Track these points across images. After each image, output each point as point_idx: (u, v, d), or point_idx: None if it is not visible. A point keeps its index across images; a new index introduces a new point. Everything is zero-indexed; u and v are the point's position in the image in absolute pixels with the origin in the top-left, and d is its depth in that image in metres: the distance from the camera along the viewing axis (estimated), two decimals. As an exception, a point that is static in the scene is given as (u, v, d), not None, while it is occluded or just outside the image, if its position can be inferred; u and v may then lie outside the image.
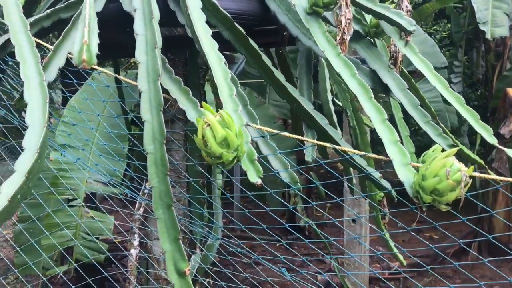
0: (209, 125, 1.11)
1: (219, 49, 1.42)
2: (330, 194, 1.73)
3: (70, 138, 3.02)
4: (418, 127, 1.67)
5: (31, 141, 1.16)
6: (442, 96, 1.67)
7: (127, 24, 1.51)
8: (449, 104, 1.72)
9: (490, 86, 5.15)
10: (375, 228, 2.62)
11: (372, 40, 1.76)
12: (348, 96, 2.31)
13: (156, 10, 1.35)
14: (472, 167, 1.04)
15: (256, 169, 1.15)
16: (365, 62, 1.78)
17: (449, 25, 5.86)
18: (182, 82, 1.36)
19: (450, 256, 4.15)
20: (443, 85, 1.52)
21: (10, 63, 1.68)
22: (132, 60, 4.84)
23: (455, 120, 4.65)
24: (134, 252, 1.92)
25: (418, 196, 1.06)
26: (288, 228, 1.51)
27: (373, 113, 1.25)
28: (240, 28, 1.68)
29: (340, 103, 2.41)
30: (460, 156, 1.41)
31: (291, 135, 1.35)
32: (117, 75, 1.98)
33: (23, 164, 1.12)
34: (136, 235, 1.94)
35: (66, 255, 3.14)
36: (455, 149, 1.08)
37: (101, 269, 1.83)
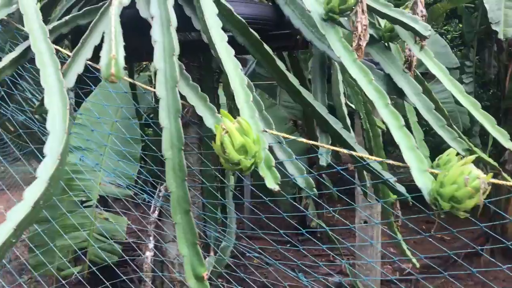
0: (227, 132, 1.13)
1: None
2: (342, 196, 1.74)
3: (84, 141, 3.06)
4: (430, 127, 1.67)
5: (53, 147, 1.18)
6: (454, 97, 1.68)
7: (142, 30, 1.53)
8: (461, 105, 1.72)
9: (502, 86, 5.11)
10: (385, 229, 2.62)
11: (386, 44, 1.77)
12: (361, 98, 2.32)
13: (173, 17, 1.36)
14: (491, 174, 1.05)
15: (274, 175, 1.16)
16: (378, 64, 1.78)
17: (460, 25, 5.82)
18: (199, 88, 1.37)
19: (462, 258, 4.13)
20: (458, 90, 1.52)
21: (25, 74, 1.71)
22: (143, 63, 4.87)
23: (466, 121, 4.62)
24: (149, 254, 1.94)
25: (436, 203, 1.06)
26: (303, 231, 1.52)
27: (390, 119, 1.25)
28: (255, 33, 1.69)
29: (353, 106, 2.41)
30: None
31: (307, 141, 1.36)
32: (132, 80, 2.00)
33: (45, 170, 1.14)
34: (151, 238, 1.96)
35: (82, 255, 3.18)
36: (473, 157, 1.08)
37: (118, 271, 1.85)
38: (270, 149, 1.45)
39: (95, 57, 1.54)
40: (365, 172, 2.23)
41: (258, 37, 1.68)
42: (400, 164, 1.17)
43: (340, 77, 2.18)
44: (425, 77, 2.08)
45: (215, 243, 2.10)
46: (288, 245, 4.91)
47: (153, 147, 1.63)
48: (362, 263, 3.41)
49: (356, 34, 1.37)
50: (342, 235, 5.24)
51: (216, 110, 1.31)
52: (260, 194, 1.53)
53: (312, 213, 4.20)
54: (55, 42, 1.51)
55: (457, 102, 4.44)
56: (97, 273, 1.89)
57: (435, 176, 1.13)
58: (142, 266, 2.09)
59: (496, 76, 5.47)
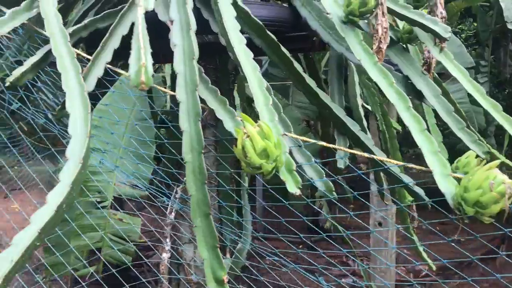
0: (248, 136, 1.13)
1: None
2: (359, 198, 1.73)
3: (100, 142, 3.08)
4: (444, 127, 1.65)
5: (75, 151, 1.18)
6: (469, 97, 1.66)
7: (160, 33, 1.54)
8: (476, 105, 1.70)
9: (518, 86, 5.05)
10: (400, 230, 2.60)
11: (404, 45, 1.75)
12: (377, 100, 2.30)
13: (193, 21, 1.37)
14: (516, 179, 1.03)
15: (295, 179, 1.15)
16: (395, 65, 1.77)
17: (475, 24, 5.75)
18: (218, 92, 1.37)
19: (478, 260, 4.08)
20: (479, 93, 1.51)
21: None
22: (156, 64, 4.89)
23: (482, 121, 4.58)
24: (166, 256, 1.95)
25: (460, 208, 1.05)
26: (323, 235, 1.51)
27: (411, 123, 1.24)
28: (272, 35, 1.69)
29: (369, 107, 2.40)
30: (492, 159, 1.39)
31: (327, 145, 1.35)
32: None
33: (67, 174, 1.15)
34: (167, 239, 1.97)
35: (97, 255, 3.20)
36: (497, 161, 1.07)
37: (135, 271, 1.86)
38: (289, 152, 1.45)
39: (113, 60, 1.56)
40: (382, 174, 2.22)
41: (275, 39, 1.68)
42: (423, 168, 1.16)
43: (356, 78, 2.17)
44: (440, 77, 2.06)
45: (231, 244, 2.10)
46: (301, 246, 4.91)
47: (171, 149, 1.64)
48: (378, 267, 3.39)
49: (376, 37, 1.36)
50: (355, 237, 5.22)
51: (235, 113, 1.31)
52: (278, 196, 1.53)
53: (326, 215, 4.18)
54: (74, 45, 1.52)
55: (473, 102, 4.42)
56: (116, 274, 1.90)
57: (458, 180, 1.11)
58: (157, 267, 2.10)
59: (511, 75, 5.41)
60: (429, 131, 1.81)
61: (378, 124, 2.31)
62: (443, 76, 2.84)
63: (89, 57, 1.46)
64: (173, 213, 2.03)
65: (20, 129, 3.14)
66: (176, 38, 1.34)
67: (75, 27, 1.50)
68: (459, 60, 2.41)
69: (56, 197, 1.12)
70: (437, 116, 1.76)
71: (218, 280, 1.26)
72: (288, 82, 4.46)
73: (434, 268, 2.56)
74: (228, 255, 2.08)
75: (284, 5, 1.98)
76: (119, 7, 1.59)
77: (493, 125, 4.81)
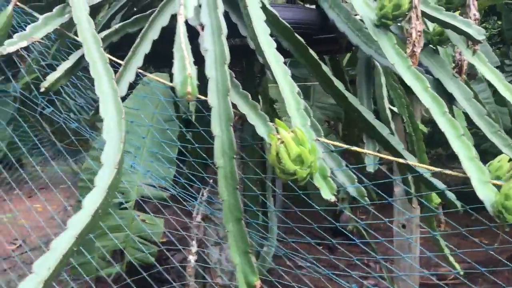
0: (282, 142, 1.12)
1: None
2: (385, 198, 1.71)
3: (129, 145, 3.10)
4: (469, 127, 1.62)
5: (109, 156, 1.20)
6: (494, 97, 1.63)
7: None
8: (502, 105, 1.67)
9: (544, 86, 4.94)
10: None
11: (434, 47, 1.73)
12: (403, 102, 2.27)
13: (224, 25, 1.37)
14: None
15: (329, 185, 1.14)
16: (422, 66, 1.74)
17: (499, 22, 5.64)
18: (249, 96, 1.37)
19: (503, 262, 4.00)
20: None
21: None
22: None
23: (508, 122, 4.49)
24: (192, 258, 1.96)
25: (501, 215, 1.03)
26: (353, 238, 1.49)
27: (448, 128, 1.22)
28: (300, 38, 1.68)
29: (395, 109, 2.37)
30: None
31: (359, 150, 1.34)
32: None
33: (102, 179, 1.16)
34: (194, 242, 1.98)
35: (120, 255, 3.24)
36: (540, 168, 1.04)
37: (162, 271, 1.87)
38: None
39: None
40: (409, 178, 2.20)
41: (304, 42, 1.67)
42: (460, 174, 1.14)
43: (383, 80, 2.14)
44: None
45: (257, 247, 2.10)
46: (321, 248, 4.89)
47: (199, 151, 1.64)
48: (400, 266, 3.35)
49: (410, 41, 1.34)
50: (374, 237, 5.17)
51: (267, 118, 1.30)
52: (305, 197, 1.52)
53: (350, 217, 4.15)
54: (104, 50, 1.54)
55: (497, 102, 4.33)
56: (143, 273, 1.91)
57: (497, 187, 1.09)
58: (178, 268, 2.11)
59: (536, 75, 5.29)
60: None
61: (405, 126, 2.28)
62: (468, 76, 2.79)
63: (120, 61, 1.47)
64: (199, 216, 2.04)
65: (44, 129, 3.19)
66: (207, 43, 1.34)
67: (106, 32, 1.52)
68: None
69: (92, 202, 1.13)
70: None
71: (250, 285, 1.25)
72: (309, 82, 4.44)
73: (462, 272, 2.52)
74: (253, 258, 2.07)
75: (311, 7, 1.97)
76: (149, 11, 1.60)
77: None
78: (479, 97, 1.82)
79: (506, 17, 5.32)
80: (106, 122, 1.25)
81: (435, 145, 6.22)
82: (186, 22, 1.54)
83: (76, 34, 1.57)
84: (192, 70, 1.02)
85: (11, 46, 1.37)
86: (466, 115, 1.71)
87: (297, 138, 1.12)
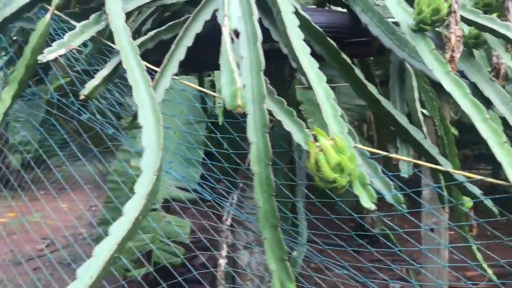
0: (321, 149, 1.12)
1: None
2: (418, 199, 1.69)
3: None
4: (506, 131, 1.59)
5: (149, 163, 1.21)
6: None
7: (218, 41, 1.55)
8: None
9: None
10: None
11: (469, 51, 1.70)
12: (435, 104, 2.24)
13: (259, 32, 1.37)
14: None
15: (369, 193, 1.14)
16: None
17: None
18: (285, 103, 1.37)
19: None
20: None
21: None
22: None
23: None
24: (222, 262, 1.97)
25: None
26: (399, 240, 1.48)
27: (490, 135, 1.20)
28: (332, 42, 1.67)
29: (426, 112, 2.34)
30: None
31: (398, 157, 1.33)
32: (203, 88, 2.04)
33: (142, 186, 1.18)
34: (224, 245, 1.99)
35: (149, 256, 3.28)
36: None
37: (193, 271, 1.89)
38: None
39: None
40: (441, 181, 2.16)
41: (336, 46, 1.66)
42: (504, 183, 1.12)
43: (414, 83, 2.12)
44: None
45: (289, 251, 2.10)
46: (347, 249, 4.85)
47: (233, 156, 1.65)
48: (428, 271, 3.30)
49: (449, 46, 1.32)
50: (400, 240, 5.11)
51: (304, 124, 1.30)
52: (334, 197, 1.51)
53: (376, 219, 4.12)
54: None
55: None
56: (175, 274, 1.93)
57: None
58: (202, 267, 2.12)
59: None
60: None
61: (436, 129, 2.25)
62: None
63: (155, 68, 1.48)
64: (229, 220, 2.05)
65: (68, 128, 3.25)
66: (243, 50, 1.34)
67: (142, 39, 1.53)
68: None
69: (132, 209, 1.15)
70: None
71: (287, 292, 1.25)
72: (332, 84, 4.40)
73: (494, 278, 2.47)
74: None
75: (342, 10, 1.96)
76: (183, 18, 1.61)
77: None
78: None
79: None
80: (145, 129, 1.27)
81: (462, 147, 6.11)
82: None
83: (108, 39, 1.60)
84: (241, 83, 1.03)
85: (50, 54, 1.40)
86: (503, 120, 1.68)
87: (336, 146, 1.12)
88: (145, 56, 1.57)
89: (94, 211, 5.38)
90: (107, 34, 1.63)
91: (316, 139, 1.16)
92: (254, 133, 1.30)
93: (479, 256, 2.39)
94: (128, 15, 2.22)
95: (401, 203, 1.39)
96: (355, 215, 1.99)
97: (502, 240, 1.30)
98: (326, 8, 2.10)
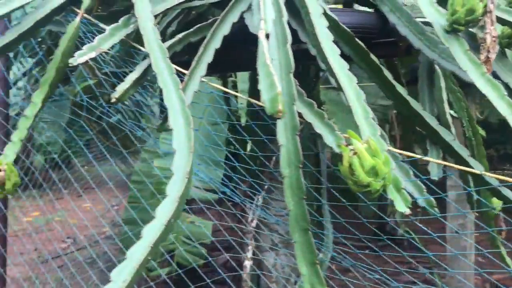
0: (355, 153, 1.10)
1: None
2: (451, 202, 1.66)
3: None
4: None
5: (180, 166, 1.21)
6: None
7: (245, 43, 1.54)
8: None
9: None
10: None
11: (502, 50, 1.66)
12: (463, 105, 2.20)
13: (289, 34, 1.36)
14: None
15: (404, 198, 1.12)
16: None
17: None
18: (315, 105, 1.36)
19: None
20: None
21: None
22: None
23: None
24: (248, 263, 1.97)
25: None
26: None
27: (528, 138, 1.17)
28: (360, 43, 1.65)
29: (454, 113, 2.30)
30: None
31: (430, 159, 1.30)
32: (226, 89, 2.03)
33: (174, 189, 1.18)
34: (249, 247, 1.98)
35: (171, 256, 3.30)
36: None
37: (222, 273, 1.89)
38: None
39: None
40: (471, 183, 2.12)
41: (364, 47, 1.64)
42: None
43: (443, 83, 2.08)
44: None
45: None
46: (367, 251, 4.81)
47: (262, 159, 1.64)
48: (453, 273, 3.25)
49: (484, 46, 1.29)
50: (424, 241, 5.04)
51: (335, 127, 1.29)
52: (365, 200, 1.50)
53: (400, 221, 4.08)
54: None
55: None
56: (202, 274, 1.94)
57: None
58: (223, 267, 2.13)
59: None
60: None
61: (465, 130, 2.21)
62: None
63: (183, 70, 1.49)
64: (254, 222, 2.05)
65: (92, 127, 3.28)
66: (272, 52, 1.33)
67: (170, 41, 1.54)
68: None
69: (165, 212, 1.15)
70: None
71: (318, 296, 1.24)
72: (359, 84, 4.37)
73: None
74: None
75: (370, 10, 1.94)
76: (210, 20, 1.61)
77: None
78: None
79: None
80: (175, 132, 1.27)
81: (487, 147, 5.99)
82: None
83: (134, 41, 1.61)
84: (281, 87, 1.02)
85: (81, 57, 1.41)
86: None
87: (370, 149, 1.10)
88: (171, 58, 1.59)
89: (116, 211, 5.45)
90: (133, 36, 1.65)
91: (348, 142, 1.14)
92: (284, 135, 1.29)
93: (508, 260, 2.33)
94: (154, 17, 2.24)
95: (434, 206, 1.37)
96: (383, 216, 1.96)
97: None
98: (353, 8, 2.07)
